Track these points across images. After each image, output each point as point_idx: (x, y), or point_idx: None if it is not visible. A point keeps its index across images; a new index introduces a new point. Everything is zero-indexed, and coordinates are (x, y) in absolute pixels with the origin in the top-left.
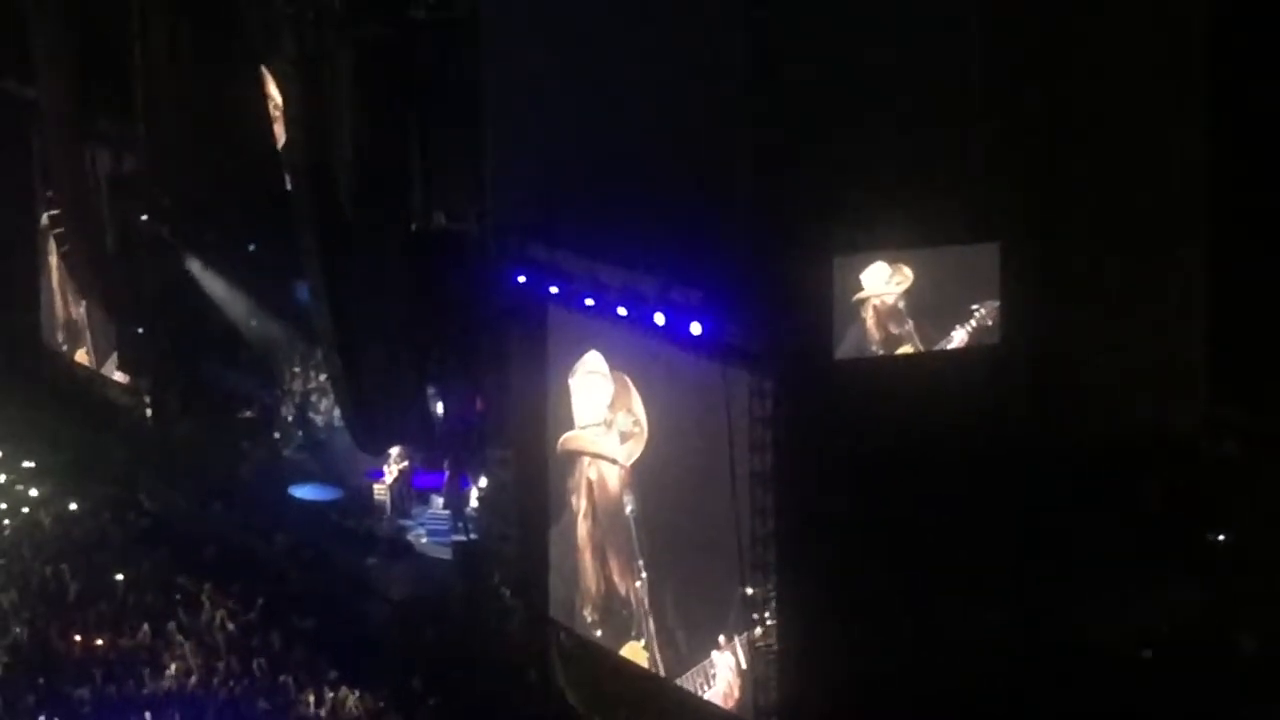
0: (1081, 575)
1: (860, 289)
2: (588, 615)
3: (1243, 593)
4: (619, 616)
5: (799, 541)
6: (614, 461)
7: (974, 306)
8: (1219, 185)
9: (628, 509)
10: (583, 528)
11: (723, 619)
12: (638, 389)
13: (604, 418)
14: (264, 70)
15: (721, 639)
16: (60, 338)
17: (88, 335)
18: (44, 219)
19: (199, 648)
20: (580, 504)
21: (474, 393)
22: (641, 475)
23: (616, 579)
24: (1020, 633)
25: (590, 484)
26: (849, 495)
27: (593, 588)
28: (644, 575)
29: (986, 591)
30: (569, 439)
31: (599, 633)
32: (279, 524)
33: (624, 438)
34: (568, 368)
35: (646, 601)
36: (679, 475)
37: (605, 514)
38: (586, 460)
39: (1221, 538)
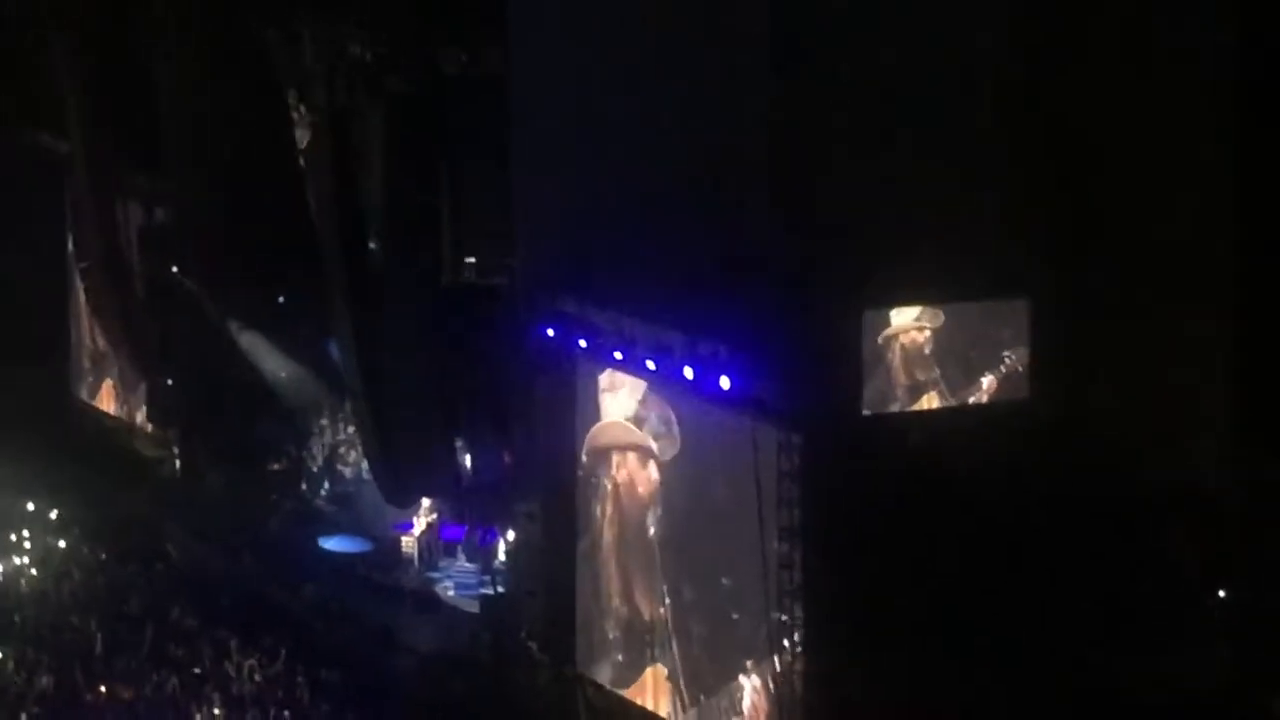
0: (1105, 625)
1: (888, 325)
2: (609, 631)
3: (1267, 646)
4: (640, 638)
5: (826, 596)
6: (645, 452)
7: (1004, 354)
8: (1246, 241)
9: (651, 530)
10: (608, 535)
11: (750, 651)
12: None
13: (635, 412)
14: (294, 124)
15: (749, 663)
16: (88, 389)
17: (116, 387)
18: (74, 272)
19: (226, 699)
20: (607, 510)
21: (502, 446)
22: (669, 499)
23: (639, 600)
24: (1045, 683)
25: (618, 490)
26: (876, 550)
27: (615, 605)
28: (667, 601)
29: (1011, 644)
30: (598, 431)
31: (619, 656)
32: (307, 576)
33: (655, 437)
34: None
35: (670, 625)
36: (707, 510)
37: (630, 530)
38: (615, 461)
39: (1243, 591)
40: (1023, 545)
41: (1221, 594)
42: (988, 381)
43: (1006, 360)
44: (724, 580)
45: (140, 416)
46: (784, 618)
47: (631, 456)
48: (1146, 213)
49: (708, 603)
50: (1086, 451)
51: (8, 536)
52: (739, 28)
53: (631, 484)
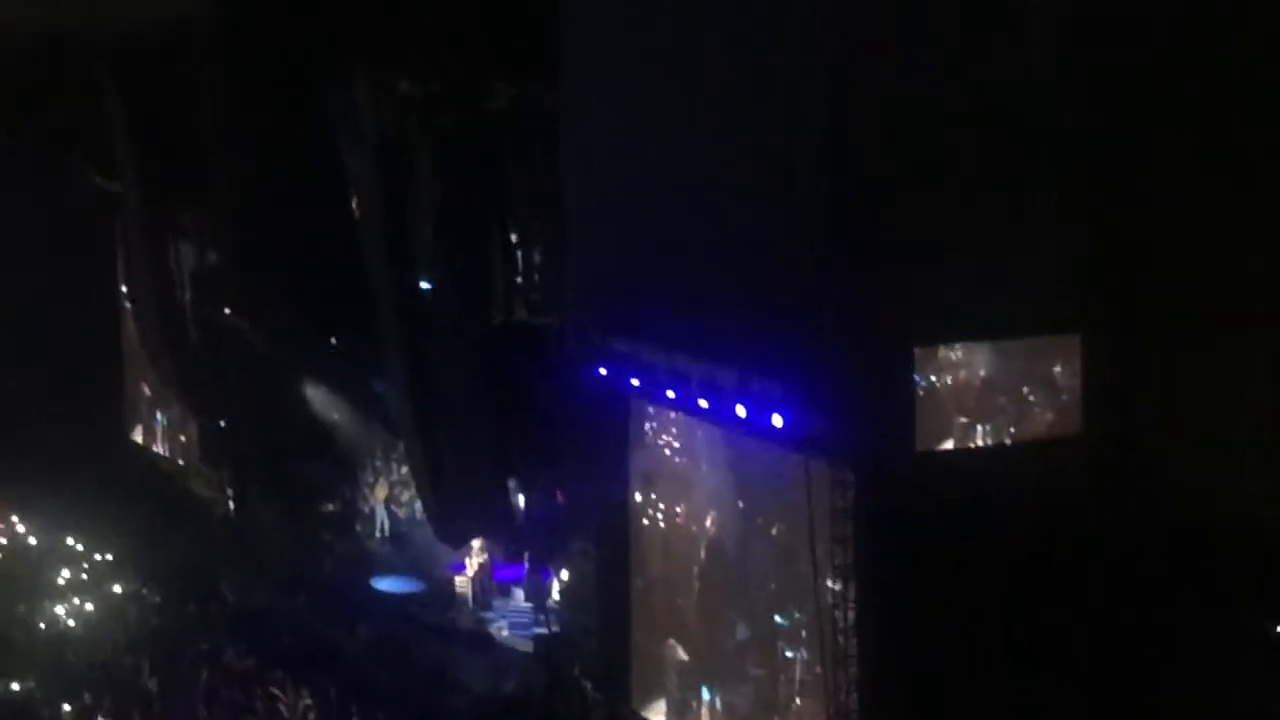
0: (1161, 660)
1: (941, 361)
2: (664, 670)
3: None
4: (695, 678)
5: (880, 633)
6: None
7: (1056, 389)
8: None
9: (705, 568)
10: (662, 573)
11: (804, 689)
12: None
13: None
14: (345, 163)
15: (803, 701)
16: (142, 430)
17: (169, 428)
18: (127, 313)
19: None
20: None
21: (555, 485)
22: (722, 537)
23: (694, 638)
24: (1100, 719)
25: (672, 527)
26: (930, 587)
27: (669, 644)
28: (723, 640)
29: (1066, 680)
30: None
31: (674, 694)
32: (360, 616)
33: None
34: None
35: (725, 664)
36: (761, 548)
37: (684, 568)
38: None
39: None
40: (1077, 581)
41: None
42: (1040, 417)
43: (1060, 396)
44: (778, 619)
45: (193, 458)
46: (838, 655)
47: (686, 493)
48: (1201, 248)
49: (762, 641)
50: (1141, 486)
51: (63, 578)
52: (794, 68)
53: (686, 521)
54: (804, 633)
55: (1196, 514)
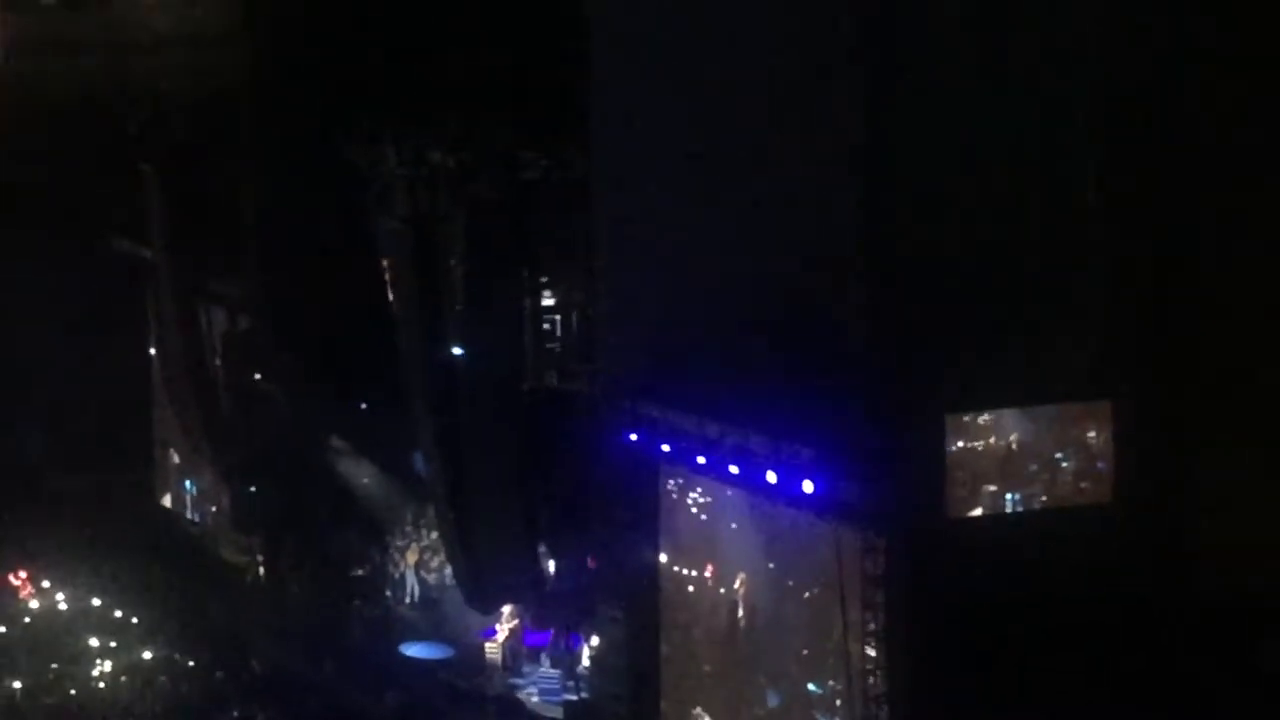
0: None
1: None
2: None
3: None
4: None
5: (911, 700)
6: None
7: (1088, 457)
8: None
9: (734, 635)
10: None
11: None
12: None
13: None
14: (377, 231)
15: None
16: (172, 496)
17: (196, 496)
18: (158, 378)
19: None
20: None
21: (585, 550)
22: (752, 604)
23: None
24: None
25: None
26: (960, 653)
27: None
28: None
29: None
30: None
31: None
32: (389, 682)
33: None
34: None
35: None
36: (792, 614)
37: (714, 635)
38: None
39: None
40: (1110, 651)
41: None
42: (1072, 483)
43: (1092, 462)
44: (811, 687)
45: (224, 523)
46: None
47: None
48: (1236, 314)
49: (794, 709)
50: (1178, 554)
51: (93, 643)
52: (829, 133)
53: (715, 585)
54: (839, 702)
55: (1232, 582)
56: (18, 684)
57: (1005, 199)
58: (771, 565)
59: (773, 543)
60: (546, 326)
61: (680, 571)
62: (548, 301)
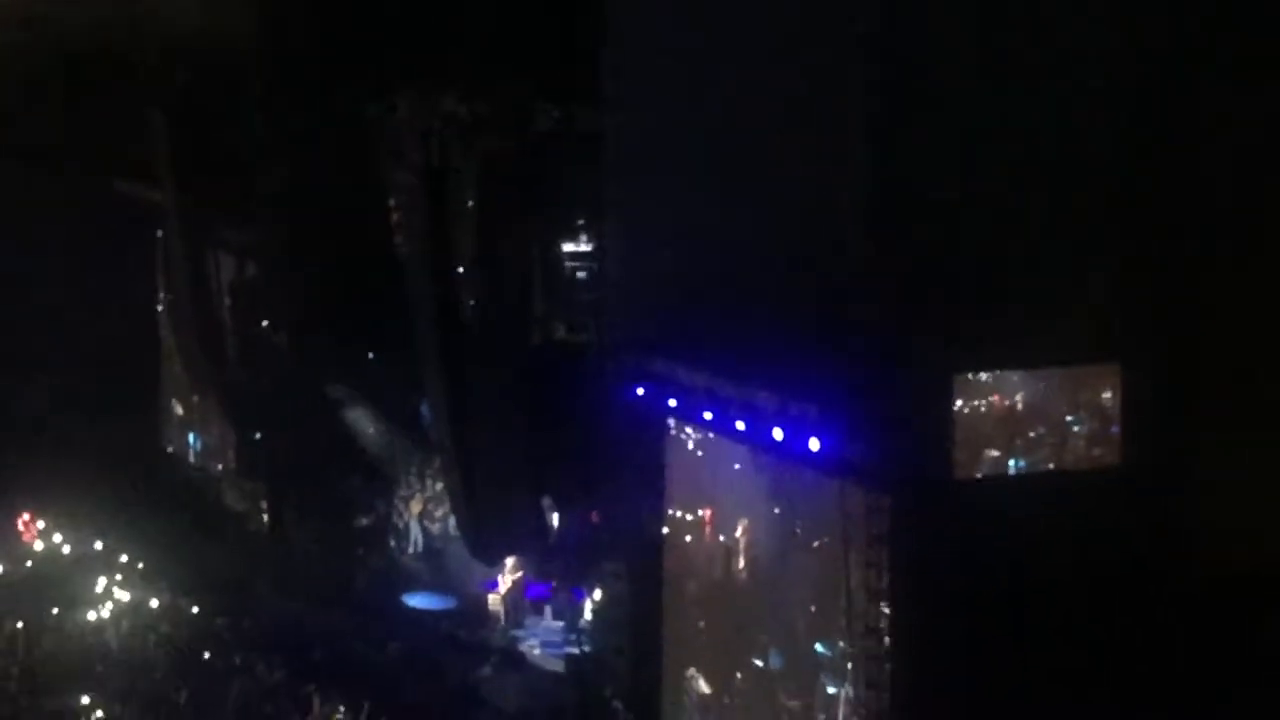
0: (1199, 703)
1: (979, 387)
2: (696, 692)
3: None
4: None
5: (914, 661)
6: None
7: (1096, 418)
8: None
9: (737, 594)
10: (695, 597)
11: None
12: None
13: None
14: (388, 181)
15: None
16: (178, 441)
17: (200, 451)
18: (166, 323)
19: None
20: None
21: (590, 505)
22: (755, 562)
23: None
24: None
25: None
26: (965, 615)
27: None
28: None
29: (1104, 713)
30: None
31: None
32: (392, 632)
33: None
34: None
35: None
36: (796, 574)
37: (718, 595)
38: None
39: None
40: (1115, 614)
41: None
42: (1079, 446)
43: (1099, 424)
44: (818, 648)
45: (229, 470)
46: (872, 682)
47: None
48: (1246, 278)
49: (799, 672)
50: (1185, 522)
51: (96, 588)
52: (838, 100)
53: (714, 535)
54: (850, 665)
55: (1239, 552)
56: (19, 624)
57: (1013, 156)
58: (777, 510)
59: (778, 485)
60: (556, 280)
61: (673, 515)
62: (557, 255)
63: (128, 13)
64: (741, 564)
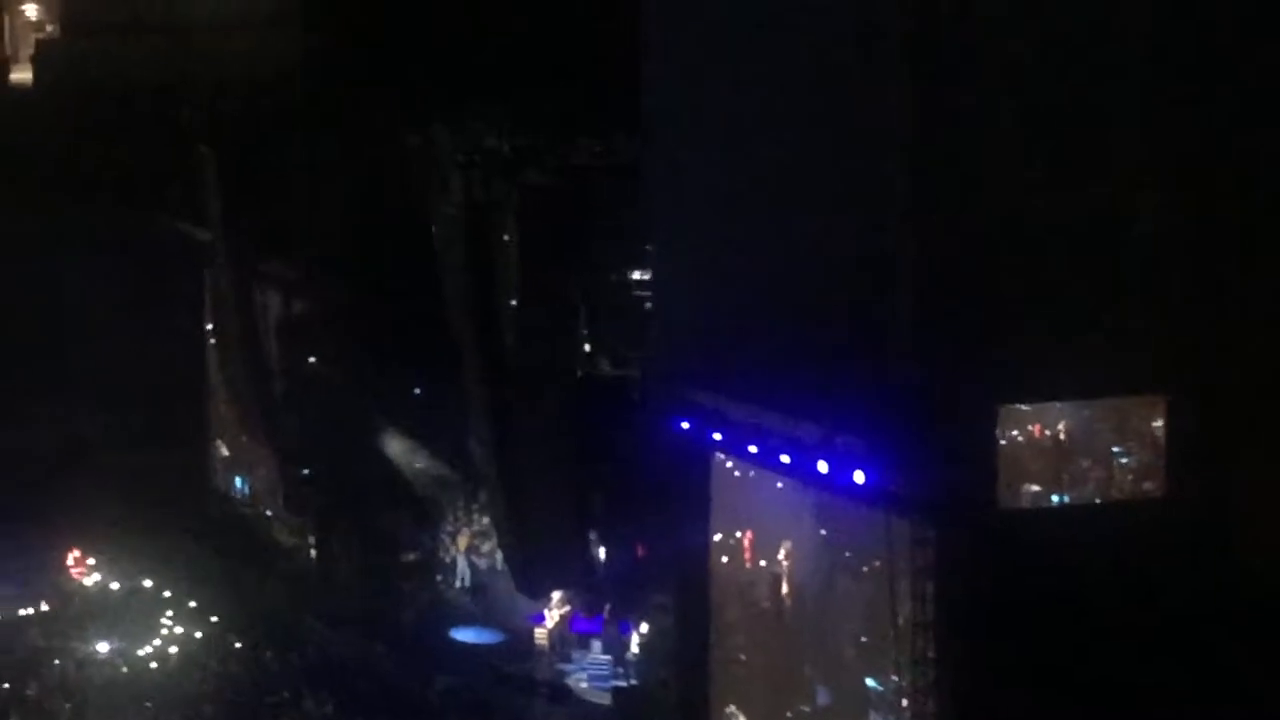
0: None
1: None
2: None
3: None
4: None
5: (961, 692)
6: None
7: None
8: None
9: (785, 628)
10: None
11: None
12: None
13: None
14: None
15: None
16: (226, 478)
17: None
18: (214, 360)
19: None
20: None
21: (635, 537)
22: (803, 596)
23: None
24: None
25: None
26: (1010, 645)
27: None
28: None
29: None
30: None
31: None
32: (439, 666)
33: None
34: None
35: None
36: (843, 607)
37: (766, 628)
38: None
39: None
40: (1161, 644)
41: None
42: (1125, 478)
43: (1145, 457)
44: (870, 682)
45: (277, 506)
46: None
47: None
48: None
49: (847, 709)
50: (1227, 551)
51: (145, 623)
52: (879, 126)
53: (755, 559)
54: (905, 701)
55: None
56: (71, 661)
57: (1054, 196)
58: (823, 533)
59: (824, 505)
60: (599, 314)
61: (714, 539)
62: (601, 288)
63: (176, 48)
64: (784, 590)
